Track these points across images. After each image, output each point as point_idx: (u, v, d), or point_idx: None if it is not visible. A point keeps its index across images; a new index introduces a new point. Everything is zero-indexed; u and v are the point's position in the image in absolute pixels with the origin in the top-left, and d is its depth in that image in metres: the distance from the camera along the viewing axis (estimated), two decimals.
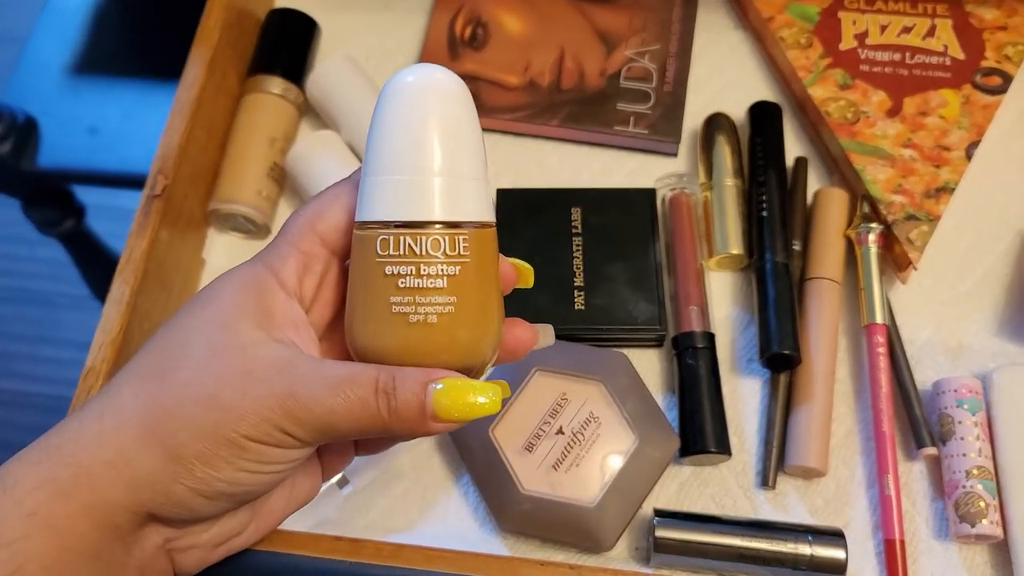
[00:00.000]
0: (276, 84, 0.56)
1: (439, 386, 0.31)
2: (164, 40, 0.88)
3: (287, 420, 0.30)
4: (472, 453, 0.47)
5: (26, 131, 0.89)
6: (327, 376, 0.31)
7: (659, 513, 0.46)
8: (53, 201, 0.98)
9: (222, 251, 0.56)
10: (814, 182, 0.56)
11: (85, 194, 1.02)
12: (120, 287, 0.46)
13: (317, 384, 0.30)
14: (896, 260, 0.52)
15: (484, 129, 0.59)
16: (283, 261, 0.33)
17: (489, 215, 0.33)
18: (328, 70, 0.57)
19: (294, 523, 0.45)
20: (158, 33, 0.90)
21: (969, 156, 0.53)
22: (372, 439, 0.37)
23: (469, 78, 0.58)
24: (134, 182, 0.90)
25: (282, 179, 0.56)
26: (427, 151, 0.31)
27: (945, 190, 0.52)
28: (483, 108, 0.58)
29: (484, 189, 0.33)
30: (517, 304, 0.51)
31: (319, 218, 0.33)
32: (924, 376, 0.51)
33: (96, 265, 1.13)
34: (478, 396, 0.31)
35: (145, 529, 0.32)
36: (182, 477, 0.30)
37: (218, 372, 0.30)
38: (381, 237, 0.31)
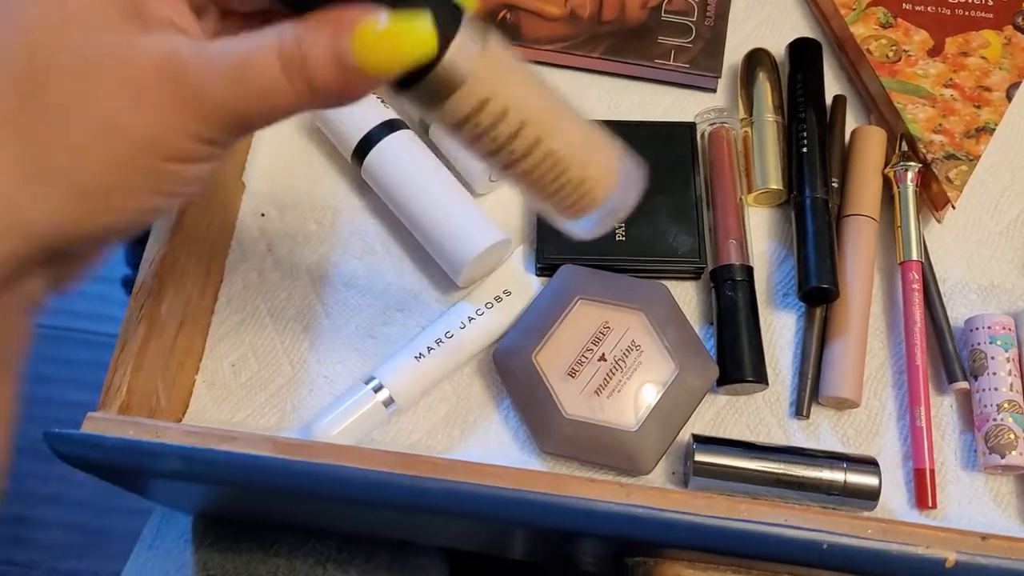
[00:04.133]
0: None
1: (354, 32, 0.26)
2: None
3: (200, 125, 0.26)
4: (515, 378, 0.48)
5: None
6: (224, 62, 0.26)
7: (698, 439, 0.47)
8: None
9: (262, 175, 0.56)
10: (851, 121, 0.57)
11: None
12: None
13: (215, 77, 0.26)
14: (932, 199, 0.53)
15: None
16: None
17: None
18: None
19: (343, 439, 0.46)
20: None
21: (1010, 97, 0.54)
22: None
23: (509, 7, 0.58)
24: None
25: None
26: None
27: (985, 130, 0.53)
28: (522, 39, 0.57)
29: None
30: (559, 233, 0.52)
31: None
32: (956, 313, 0.52)
33: None
34: (405, 32, 0.26)
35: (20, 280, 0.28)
36: (94, 214, 0.27)
37: (101, 90, 0.26)
38: None
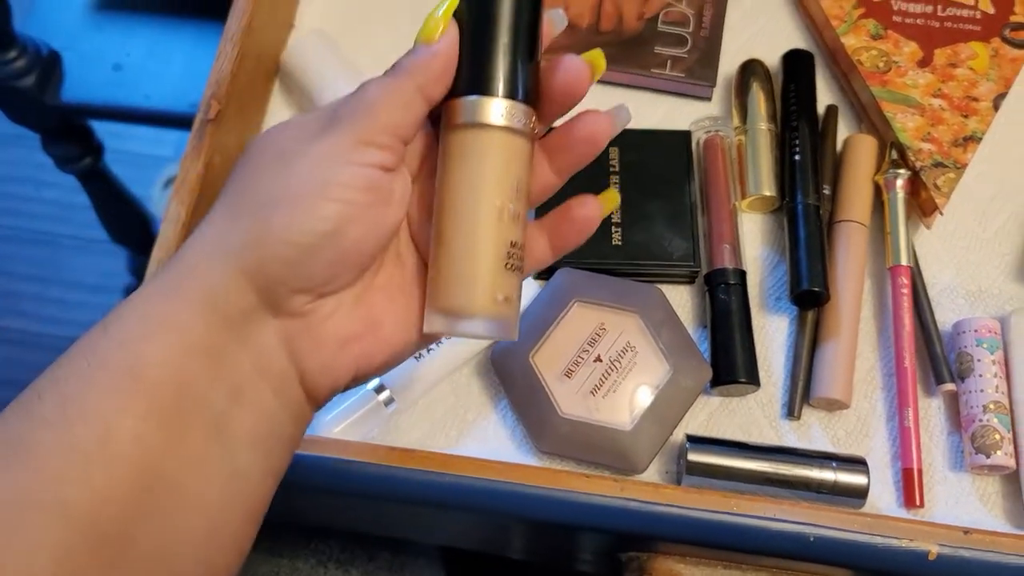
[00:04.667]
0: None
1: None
2: None
3: (355, 134, 0.31)
4: (513, 378, 0.49)
5: (49, 65, 0.89)
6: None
7: (691, 438, 0.48)
8: (73, 137, 0.99)
9: None
10: (843, 130, 0.58)
11: (103, 136, 1.02)
12: (176, 207, 0.48)
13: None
14: (922, 206, 0.54)
15: None
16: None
17: None
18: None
19: (346, 436, 0.47)
20: None
21: (996, 107, 0.55)
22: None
23: None
24: (158, 119, 0.91)
25: None
26: None
27: (972, 139, 0.54)
28: None
29: None
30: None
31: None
32: (944, 317, 0.53)
33: (110, 205, 1.14)
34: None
35: (257, 319, 0.31)
36: (274, 226, 0.30)
37: (279, 135, 0.33)
38: None
